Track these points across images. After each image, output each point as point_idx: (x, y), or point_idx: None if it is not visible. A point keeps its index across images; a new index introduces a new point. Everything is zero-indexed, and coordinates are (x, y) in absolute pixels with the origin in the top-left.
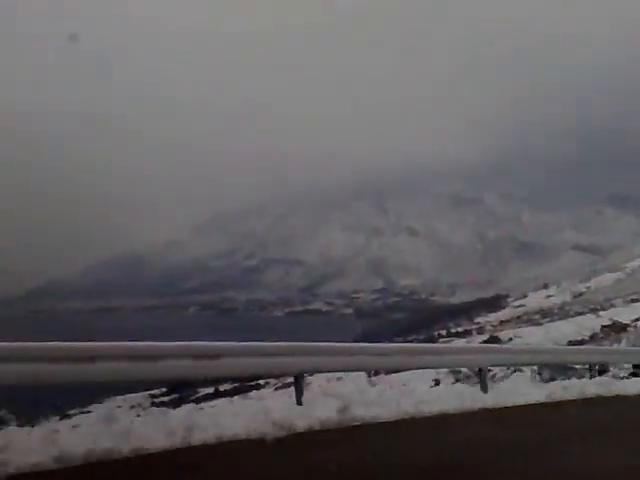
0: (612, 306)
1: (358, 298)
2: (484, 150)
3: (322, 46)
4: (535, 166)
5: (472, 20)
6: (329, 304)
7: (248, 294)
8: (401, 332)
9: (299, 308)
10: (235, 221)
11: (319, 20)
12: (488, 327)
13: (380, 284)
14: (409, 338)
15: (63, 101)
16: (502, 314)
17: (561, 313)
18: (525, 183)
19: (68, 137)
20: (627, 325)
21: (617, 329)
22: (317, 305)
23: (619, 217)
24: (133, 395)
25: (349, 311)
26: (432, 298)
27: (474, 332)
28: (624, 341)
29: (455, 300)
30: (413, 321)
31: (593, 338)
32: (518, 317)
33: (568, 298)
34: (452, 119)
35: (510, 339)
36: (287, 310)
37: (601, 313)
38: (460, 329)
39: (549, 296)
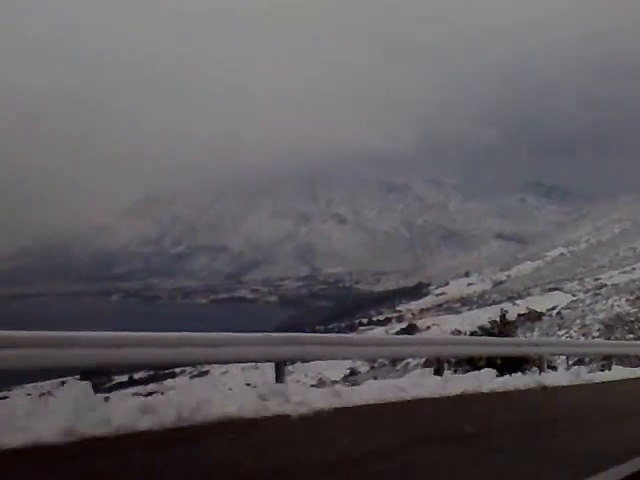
0: (529, 295)
1: (284, 285)
2: (412, 136)
3: (256, 29)
4: (460, 152)
5: (393, 3)
6: (254, 291)
7: (173, 281)
8: (324, 320)
9: (224, 295)
10: (163, 206)
11: (250, 7)
12: (408, 315)
13: (306, 271)
14: (331, 326)
15: None
16: (424, 302)
17: (481, 301)
18: (451, 169)
19: None
20: (542, 314)
21: (533, 318)
22: (242, 292)
23: (542, 206)
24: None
25: (274, 299)
26: (357, 286)
27: (394, 320)
28: (537, 330)
29: (379, 288)
30: (337, 309)
31: (508, 325)
32: (439, 305)
33: (488, 286)
34: (379, 105)
35: (428, 327)
36: (211, 297)
37: (518, 301)
38: (381, 317)
39: (470, 284)
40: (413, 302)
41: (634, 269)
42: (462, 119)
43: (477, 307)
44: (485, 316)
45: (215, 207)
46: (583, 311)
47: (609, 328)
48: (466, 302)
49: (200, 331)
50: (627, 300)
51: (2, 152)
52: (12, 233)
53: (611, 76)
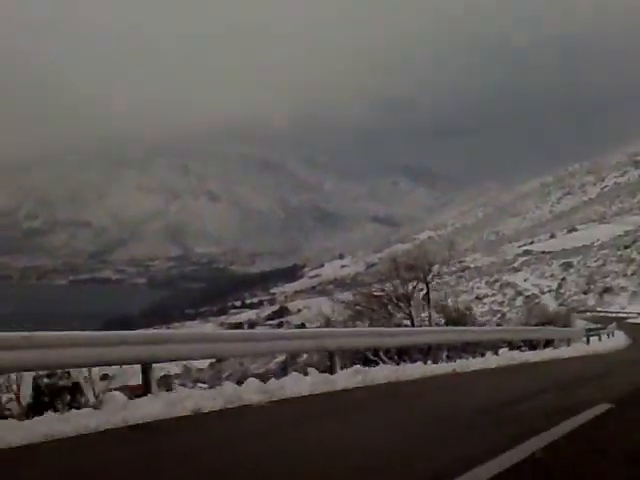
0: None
1: (153, 266)
2: (286, 116)
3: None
4: (334, 133)
5: None
6: (120, 272)
7: (27, 260)
8: (195, 303)
9: (86, 276)
10: (16, 175)
11: None
12: (280, 298)
13: (177, 251)
14: (202, 309)
15: None
16: (298, 284)
17: (354, 284)
18: (326, 151)
19: None
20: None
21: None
22: (106, 273)
23: (413, 189)
24: None
25: (142, 280)
26: (231, 267)
27: (266, 303)
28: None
29: (255, 269)
30: (209, 291)
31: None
32: (313, 287)
33: (362, 268)
34: (254, 82)
35: (299, 310)
36: (72, 278)
37: (387, 284)
38: (255, 300)
39: (344, 266)
40: (288, 284)
41: (496, 252)
42: (337, 101)
43: (349, 289)
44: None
45: (76, 178)
46: (446, 293)
47: (468, 309)
48: (340, 284)
49: (58, 315)
50: (487, 282)
51: None
52: None
53: (482, 62)
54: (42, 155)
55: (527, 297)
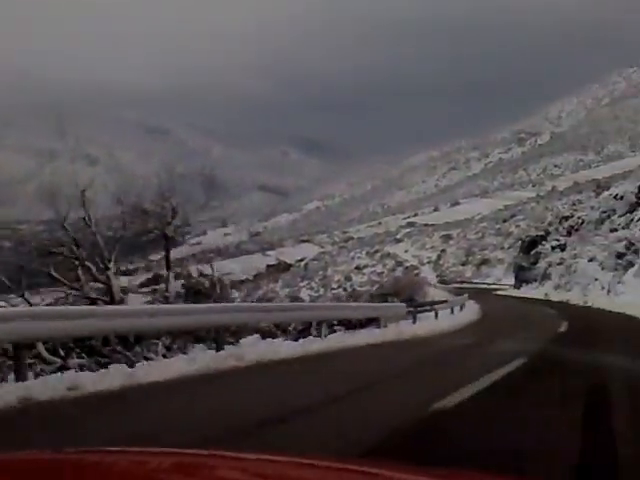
0: (282, 246)
1: (21, 229)
2: (178, 83)
3: None
4: (230, 102)
5: None
6: None
7: None
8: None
9: None
10: None
11: None
12: (155, 265)
13: (50, 215)
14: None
15: None
16: (178, 252)
17: (237, 252)
18: (219, 118)
19: None
20: (291, 265)
21: (282, 269)
22: None
23: (304, 160)
24: None
25: (8, 243)
26: (108, 233)
27: (141, 270)
28: (280, 282)
29: (132, 234)
30: (80, 256)
31: (257, 277)
32: (194, 255)
33: (245, 237)
34: (145, 50)
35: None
36: None
37: (269, 252)
38: (131, 267)
39: (227, 234)
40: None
41: (380, 223)
42: (229, 70)
43: (231, 258)
44: (235, 267)
45: None
46: (326, 263)
47: (347, 279)
48: (222, 252)
49: None
50: (367, 253)
51: None
52: None
53: (376, 39)
54: None
55: (406, 268)
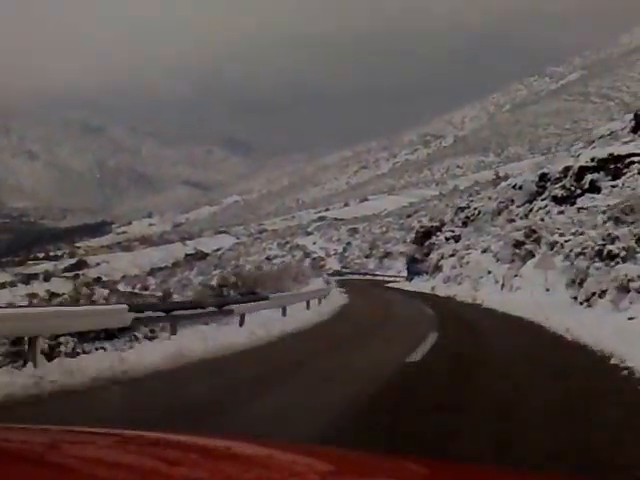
0: (201, 237)
1: None
2: (111, 85)
3: None
4: (157, 103)
5: None
6: None
7: None
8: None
9: None
10: None
11: None
12: (80, 252)
13: None
14: (4, 260)
15: None
16: (105, 240)
17: (160, 241)
18: (149, 118)
19: None
20: (208, 254)
21: (199, 257)
22: None
23: (227, 157)
24: None
25: None
26: (42, 221)
27: (65, 256)
28: (195, 269)
29: (65, 224)
30: (15, 243)
31: (175, 265)
32: (119, 243)
33: (168, 227)
34: (83, 52)
35: (98, 264)
36: None
37: (188, 242)
38: (59, 253)
39: (152, 225)
40: (94, 240)
41: (293, 217)
42: (161, 71)
43: (153, 246)
44: (157, 255)
45: None
46: (239, 253)
47: (258, 269)
48: (145, 241)
49: None
50: (279, 244)
51: None
52: None
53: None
54: None
55: (314, 259)
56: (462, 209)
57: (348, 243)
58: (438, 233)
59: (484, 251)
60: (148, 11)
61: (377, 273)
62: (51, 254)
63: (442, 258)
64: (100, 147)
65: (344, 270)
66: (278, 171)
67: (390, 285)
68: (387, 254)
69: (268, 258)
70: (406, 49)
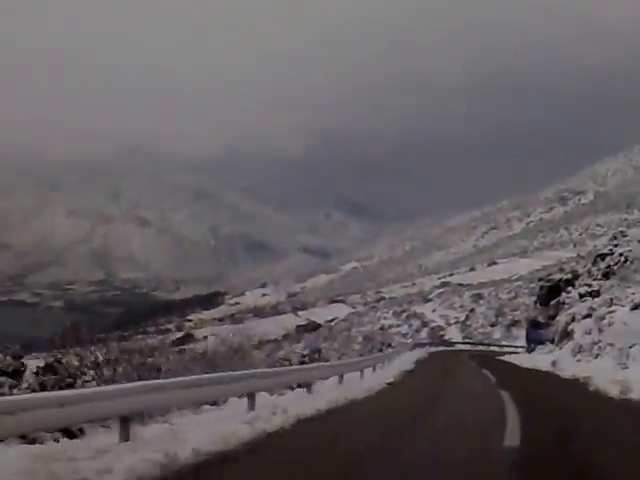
0: (314, 306)
1: (72, 290)
2: (225, 148)
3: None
4: (271, 165)
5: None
6: (36, 295)
7: None
8: (108, 328)
9: (2, 298)
10: None
11: None
12: (189, 325)
13: (100, 276)
14: (113, 334)
15: None
16: (216, 312)
17: (273, 312)
18: (262, 182)
19: None
20: (320, 325)
21: (311, 329)
22: (22, 296)
23: (346, 222)
24: None
25: (58, 303)
26: (154, 293)
27: (174, 329)
28: (302, 342)
29: (179, 296)
30: (126, 316)
31: (286, 337)
32: (232, 315)
33: (283, 298)
34: (196, 116)
35: (205, 337)
36: None
37: (300, 312)
38: (170, 326)
39: (265, 295)
40: (206, 311)
41: (414, 284)
42: (274, 133)
43: (266, 318)
44: (267, 326)
45: (3, 201)
46: (352, 323)
47: (367, 340)
48: (259, 313)
49: None
50: (394, 313)
51: None
52: None
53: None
54: None
55: (432, 328)
56: (602, 256)
57: (471, 310)
58: (569, 288)
59: (635, 308)
60: (254, 73)
61: (503, 344)
62: (162, 327)
63: (573, 320)
64: (215, 213)
65: (465, 340)
66: (400, 235)
67: (501, 358)
68: (515, 322)
69: (382, 328)
70: (539, 100)
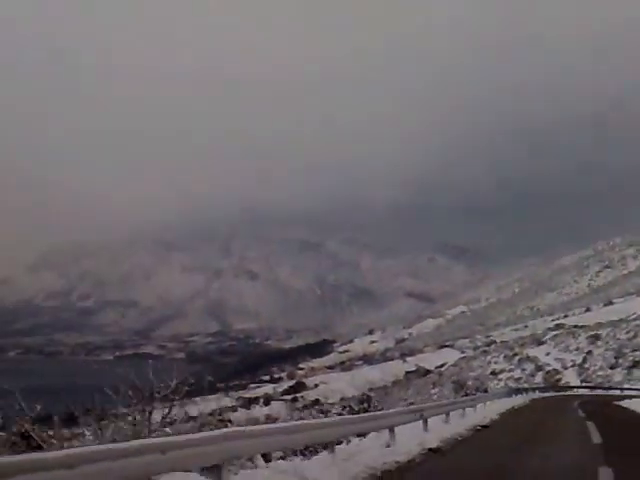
0: (422, 352)
1: (192, 341)
2: (324, 198)
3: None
4: (371, 213)
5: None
6: (161, 347)
7: (78, 337)
8: (227, 377)
9: (129, 351)
10: (71, 259)
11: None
12: (299, 373)
13: (216, 327)
14: (232, 384)
15: None
16: (327, 359)
17: (382, 358)
18: (362, 230)
19: None
20: (430, 371)
21: (420, 375)
22: (149, 348)
23: (450, 266)
24: None
25: (181, 355)
26: (267, 342)
27: (285, 378)
28: (411, 389)
29: (291, 345)
30: (241, 365)
31: (395, 384)
32: (342, 363)
33: (391, 344)
34: (292, 169)
35: (316, 385)
36: (117, 353)
37: (408, 359)
38: (283, 375)
39: (373, 342)
40: (316, 359)
41: (526, 326)
42: (371, 181)
43: (374, 364)
44: (374, 374)
45: (126, 261)
46: (461, 368)
47: (457, 385)
48: (369, 360)
49: (104, 387)
50: (505, 356)
51: None
52: None
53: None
54: (95, 241)
55: (547, 372)
56: None
57: (588, 352)
58: None
59: None
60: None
61: (625, 387)
62: (275, 376)
63: None
64: (319, 263)
65: (583, 383)
66: (507, 277)
67: (620, 404)
68: (636, 363)
69: (493, 373)
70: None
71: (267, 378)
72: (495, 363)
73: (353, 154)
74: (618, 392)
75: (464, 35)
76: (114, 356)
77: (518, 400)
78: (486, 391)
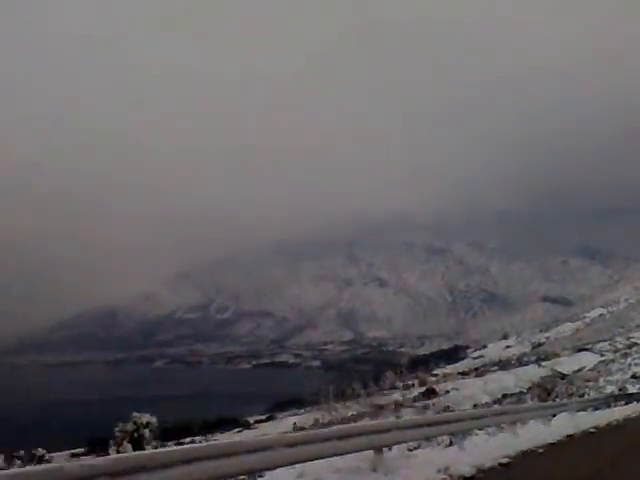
0: (558, 356)
1: (327, 350)
2: (452, 202)
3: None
4: (497, 216)
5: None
6: (297, 356)
7: (217, 347)
8: (364, 384)
9: (266, 360)
10: (208, 273)
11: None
12: (430, 380)
13: (349, 336)
14: (369, 390)
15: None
16: (460, 365)
17: (518, 364)
18: (489, 233)
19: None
20: (566, 375)
21: (557, 379)
22: (284, 357)
23: (586, 268)
24: None
25: (316, 363)
26: (401, 350)
27: (416, 384)
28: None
29: (424, 351)
30: (376, 373)
31: (531, 389)
32: (476, 369)
33: (527, 349)
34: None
35: (447, 392)
36: (254, 362)
37: (544, 363)
38: (417, 381)
39: (508, 347)
40: (450, 365)
41: None
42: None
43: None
44: (507, 379)
45: (258, 273)
46: (599, 372)
47: (621, 390)
48: (504, 365)
49: (242, 394)
50: None
51: (50, 221)
52: (62, 302)
53: None
54: (229, 256)
55: None
56: None
57: None
58: None
59: None
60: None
61: None
62: (408, 382)
63: None
64: (447, 268)
65: None
66: None
67: None
68: None
69: (634, 376)
70: None
71: (401, 385)
72: (636, 365)
73: (480, 155)
74: None
75: None
76: (252, 365)
77: (617, 412)
78: (582, 396)
